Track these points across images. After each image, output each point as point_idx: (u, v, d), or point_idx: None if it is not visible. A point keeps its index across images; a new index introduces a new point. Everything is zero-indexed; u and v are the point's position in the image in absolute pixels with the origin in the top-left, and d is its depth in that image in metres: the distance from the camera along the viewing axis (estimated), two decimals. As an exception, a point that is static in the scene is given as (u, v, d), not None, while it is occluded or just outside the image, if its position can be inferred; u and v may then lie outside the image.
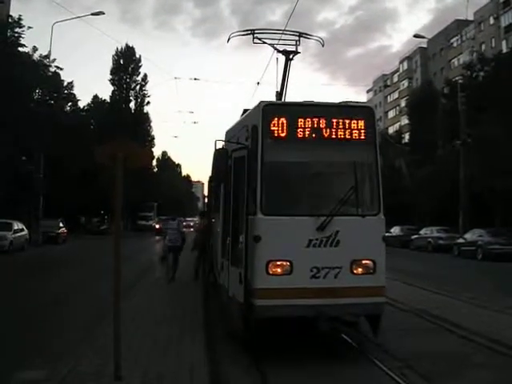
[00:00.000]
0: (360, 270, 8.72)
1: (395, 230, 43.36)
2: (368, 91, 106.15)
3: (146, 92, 77.29)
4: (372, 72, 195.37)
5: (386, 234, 9.51)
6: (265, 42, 12.07)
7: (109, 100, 73.11)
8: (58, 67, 40.12)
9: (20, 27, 35.01)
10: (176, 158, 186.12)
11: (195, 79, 41.38)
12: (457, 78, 49.22)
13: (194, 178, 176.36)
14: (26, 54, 36.53)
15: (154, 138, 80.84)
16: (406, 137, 65.80)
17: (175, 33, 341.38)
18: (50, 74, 39.58)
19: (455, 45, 73.51)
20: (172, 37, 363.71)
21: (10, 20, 35.70)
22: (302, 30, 12.12)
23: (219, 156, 9.59)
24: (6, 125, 31.80)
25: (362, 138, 8.98)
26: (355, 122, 8.95)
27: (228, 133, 11.28)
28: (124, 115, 69.58)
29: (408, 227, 44.40)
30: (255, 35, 11.92)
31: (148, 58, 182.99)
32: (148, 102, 77.98)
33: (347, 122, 8.92)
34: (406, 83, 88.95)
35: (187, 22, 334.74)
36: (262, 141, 8.65)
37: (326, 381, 7.76)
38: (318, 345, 9.20)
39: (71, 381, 7.07)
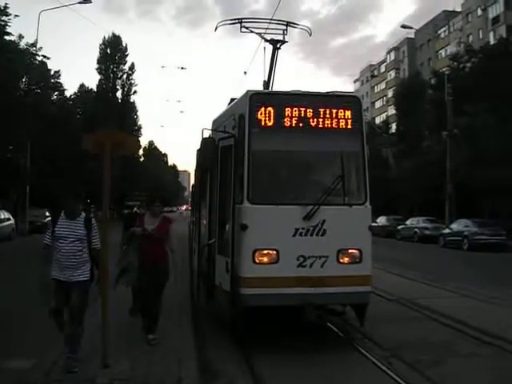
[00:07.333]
0: (346, 259, 8.76)
1: (381, 220, 43.43)
2: (355, 81, 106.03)
3: (133, 81, 76.91)
4: (356, 62, 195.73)
5: (372, 224, 9.55)
6: (252, 31, 12.06)
7: (95, 89, 72.54)
8: (44, 56, 39.80)
9: (6, 15, 34.62)
10: (163, 148, 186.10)
11: (182, 68, 41.22)
12: (444, 69, 49.20)
13: (180, 168, 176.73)
14: (13, 42, 36.17)
15: (140, 128, 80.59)
16: (393, 127, 65.88)
17: (159, 22, 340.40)
18: (37, 62, 39.24)
19: (443, 36, 73.53)
20: (156, 26, 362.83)
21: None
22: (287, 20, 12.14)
23: (206, 145, 9.57)
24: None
25: (349, 127, 9.01)
26: (342, 111, 8.98)
27: (215, 122, 11.25)
28: (111, 104, 69.08)
29: (394, 217, 44.49)
30: (243, 24, 11.92)
31: (134, 47, 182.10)
32: (135, 91, 77.60)
33: (334, 111, 8.95)
34: (393, 73, 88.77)
35: (170, 10, 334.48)
36: (249, 130, 8.67)
37: (311, 370, 7.79)
38: (305, 334, 9.24)
39: (58, 369, 7.05)
